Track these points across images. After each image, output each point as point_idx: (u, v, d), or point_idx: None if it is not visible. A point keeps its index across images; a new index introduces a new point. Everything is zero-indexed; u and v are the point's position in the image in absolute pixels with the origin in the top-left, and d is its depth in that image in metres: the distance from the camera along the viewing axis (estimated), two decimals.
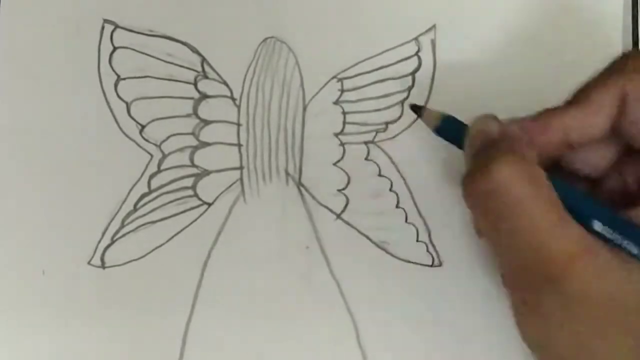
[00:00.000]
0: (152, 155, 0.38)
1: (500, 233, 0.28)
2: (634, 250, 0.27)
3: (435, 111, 0.34)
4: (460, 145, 0.32)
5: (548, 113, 0.30)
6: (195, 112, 0.38)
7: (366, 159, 0.38)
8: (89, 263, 0.37)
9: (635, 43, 0.38)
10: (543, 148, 0.29)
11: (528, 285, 0.28)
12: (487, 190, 0.27)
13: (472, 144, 0.30)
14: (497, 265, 0.30)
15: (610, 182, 0.30)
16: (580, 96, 0.29)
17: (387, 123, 0.38)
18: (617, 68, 0.29)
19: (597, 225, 0.27)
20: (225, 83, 0.38)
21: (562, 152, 0.30)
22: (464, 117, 0.38)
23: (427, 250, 0.37)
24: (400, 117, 0.38)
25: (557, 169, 0.31)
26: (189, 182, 0.38)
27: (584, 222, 0.27)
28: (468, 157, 0.30)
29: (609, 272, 0.27)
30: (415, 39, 0.38)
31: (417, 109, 0.35)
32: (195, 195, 0.38)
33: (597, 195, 0.31)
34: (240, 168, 0.38)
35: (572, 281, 0.26)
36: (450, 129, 0.32)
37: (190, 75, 0.38)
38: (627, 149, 0.30)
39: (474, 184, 0.28)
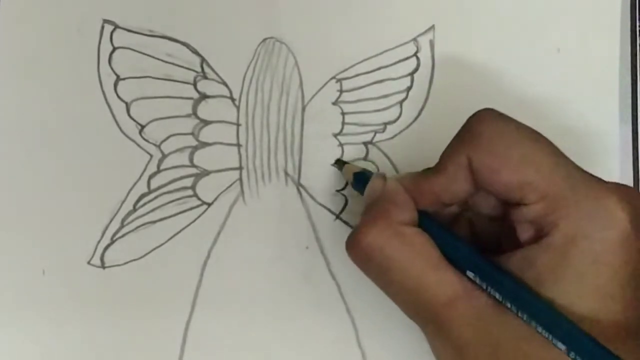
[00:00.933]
0: (151, 156, 0.38)
1: (382, 286, 0.31)
2: (498, 297, 0.28)
3: (352, 166, 0.36)
4: None
5: (420, 177, 0.31)
6: (194, 112, 0.38)
7: (365, 159, 0.38)
8: (89, 263, 0.37)
9: (634, 43, 0.38)
10: (424, 205, 0.31)
11: (420, 327, 0.30)
12: (359, 253, 0.30)
13: (363, 203, 0.33)
14: None
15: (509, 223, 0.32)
16: (439, 163, 0.31)
17: (385, 124, 0.38)
18: (463, 133, 0.31)
19: (470, 274, 0.29)
20: (224, 83, 0.38)
21: (443, 207, 0.32)
22: (462, 117, 0.38)
23: None
24: (399, 117, 0.38)
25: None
26: (188, 182, 0.38)
27: (463, 270, 0.29)
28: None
29: (485, 318, 0.28)
30: (414, 39, 0.39)
31: (340, 164, 0.37)
32: (195, 195, 0.38)
33: (506, 234, 0.32)
34: (240, 168, 0.38)
35: (451, 326, 0.28)
36: (360, 182, 0.34)
37: (189, 76, 0.38)
38: None
39: (349, 249, 0.31)
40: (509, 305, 0.28)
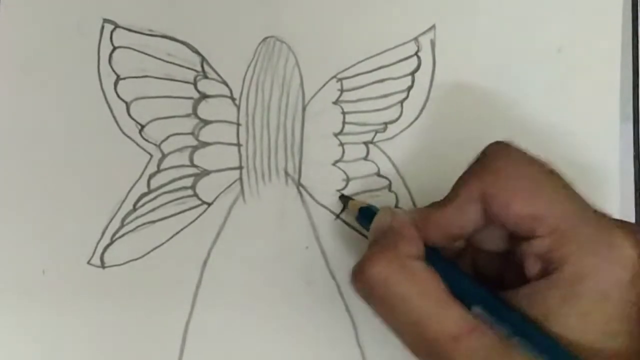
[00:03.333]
0: (151, 155, 0.38)
1: (386, 319, 0.30)
2: (505, 332, 0.28)
3: (357, 201, 0.36)
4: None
5: (428, 209, 0.31)
6: (194, 112, 0.38)
7: (365, 159, 0.38)
8: (88, 263, 0.37)
9: (635, 43, 0.38)
10: (432, 238, 0.31)
11: None
12: (364, 285, 0.30)
13: (370, 237, 0.33)
14: None
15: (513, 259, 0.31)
16: (451, 195, 0.31)
17: (386, 123, 0.38)
18: (476, 165, 0.31)
19: (476, 309, 0.29)
20: (225, 83, 0.38)
21: (451, 241, 0.32)
22: (463, 117, 0.38)
23: None
24: (399, 117, 0.38)
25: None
26: (188, 182, 0.38)
27: (469, 305, 0.29)
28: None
29: (491, 355, 0.27)
30: (415, 39, 0.38)
31: (345, 200, 0.37)
32: (195, 195, 0.38)
33: (510, 270, 0.32)
34: (240, 168, 0.38)
35: None
36: (366, 217, 0.34)
37: (189, 75, 0.38)
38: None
39: (354, 280, 0.30)
40: (516, 340, 0.27)
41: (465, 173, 0.31)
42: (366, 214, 0.34)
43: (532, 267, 0.29)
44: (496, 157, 0.30)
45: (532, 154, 0.30)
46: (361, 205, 0.35)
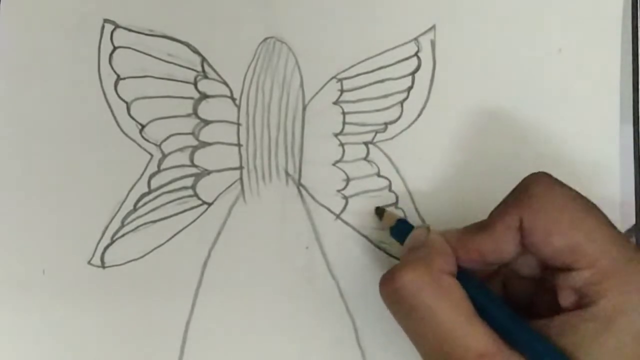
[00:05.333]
0: (152, 155, 0.38)
1: (410, 330, 0.30)
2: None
3: (392, 213, 0.36)
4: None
5: (466, 234, 0.31)
6: (195, 112, 0.38)
7: (365, 159, 0.38)
8: (89, 263, 0.37)
9: (635, 43, 0.38)
10: (466, 262, 0.31)
11: None
12: (393, 292, 0.30)
13: (402, 251, 0.33)
14: None
15: (546, 286, 0.31)
16: (488, 222, 0.31)
17: (386, 123, 0.38)
18: (516, 194, 0.31)
19: (501, 330, 0.29)
20: (225, 83, 0.38)
21: (485, 266, 0.32)
22: (463, 117, 0.38)
23: None
24: (399, 117, 0.38)
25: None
26: (189, 181, 0.38)
27: (496, 326, 0.29)
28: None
29: None
30: (415, 39, 0.39)
31: (379, 211, 0.37)
32: (195, 195, 0.38)
33: (541, 296, 0.32)
34: (240, 168, 0.38)
35: None
36: (401, 231, 0.34)
37: (190, 75, 0.38)
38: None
39: (383, 285, 0.30)
40: None
41: (503, 201, 0.31)
42: (402, 228, 0.34)
43: (567, 298, 0.29)
44: (536, 187, 0.30)
45: (573, 188, 0.30)
46: (399, 218, 0.35)
